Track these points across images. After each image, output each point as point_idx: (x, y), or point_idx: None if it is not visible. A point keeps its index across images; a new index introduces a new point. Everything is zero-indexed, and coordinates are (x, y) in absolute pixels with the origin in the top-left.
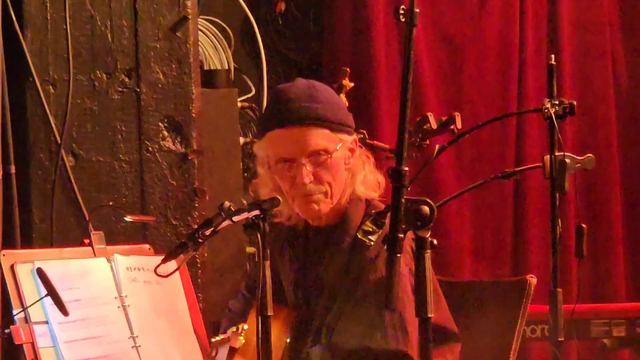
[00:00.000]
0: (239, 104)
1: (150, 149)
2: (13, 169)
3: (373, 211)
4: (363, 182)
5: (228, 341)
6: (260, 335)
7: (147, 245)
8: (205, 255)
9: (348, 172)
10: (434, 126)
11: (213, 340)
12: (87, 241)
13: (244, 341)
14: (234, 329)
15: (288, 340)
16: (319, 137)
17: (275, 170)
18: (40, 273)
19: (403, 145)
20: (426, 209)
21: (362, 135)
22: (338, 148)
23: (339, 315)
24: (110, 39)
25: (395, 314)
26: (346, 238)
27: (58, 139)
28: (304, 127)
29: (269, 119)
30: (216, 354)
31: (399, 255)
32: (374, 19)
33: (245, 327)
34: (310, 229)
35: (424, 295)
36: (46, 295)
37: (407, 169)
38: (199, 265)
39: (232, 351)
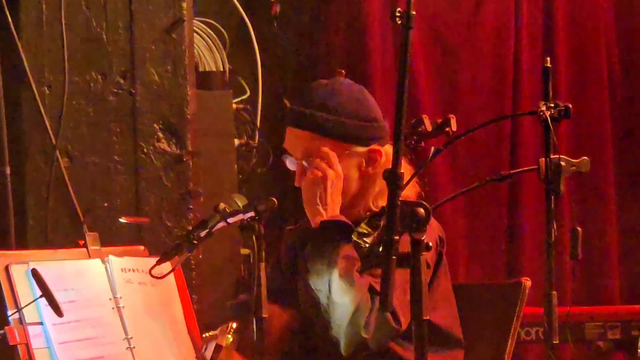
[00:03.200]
0: (234, 106)
1: (145, 150)
2: (8, 170)
3: (368, 213)
4: (375, 197)
5: (216, 338)
6: (256, 336)
7: (142, 247)
8: (200, 256)
9: (372, 178)
10: (429, 128)
11: (204, 335)
12: (81, 242)
13: (231, 339)
14: (224, 326)
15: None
16: (313, 144)
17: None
18: (35, 274)
19: (399, 148)
20: (422, 211)
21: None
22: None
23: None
24: (105, 40)
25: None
26: None
27: (53, 140)
28: (303, 131)
29: (285, 115)
30: (205, 349)
31: (394, 257)
32: (369, 21)
33: (234, 325)
34: None
35: (419, 297)
36: (41, 296)
37: (402, 171)
38: (193, 266)
39: (218, 348)
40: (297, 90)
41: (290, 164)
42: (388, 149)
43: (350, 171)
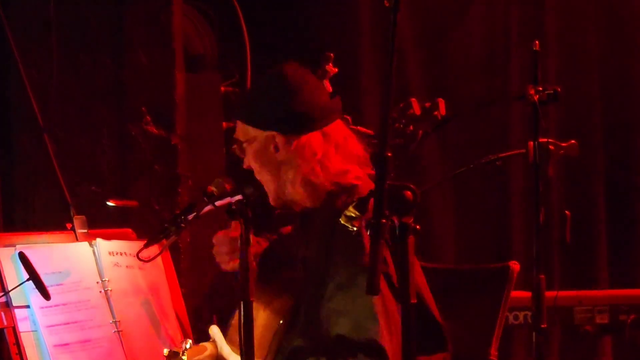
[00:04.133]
0: (223, 89)
1: (133, 133)
2: None
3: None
4: (292, 181)
5: (175, 357)
6: (242, 320)
7: (130, 230)
8: (188, 240)
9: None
10: (418, 112)
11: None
12: (69, 225)
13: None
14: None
15: (281, 322)
16: (239, 128)
17: None
18: (22, 257)
19: (386, 131)
20: (409, 194)
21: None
22: (249, 139)
23: (316, 303)
24: (94, 23)
25: (367, 303)
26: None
27: (41, 122)
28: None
29: None
30: None
31: (382, 241)
32: (359, 4)
33: (188, 345)
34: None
35: (406, 281)
36: (28, 280)
37: (390, 154)
38: (181, 250)
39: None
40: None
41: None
42: (311, 137)
43: (258, 156)
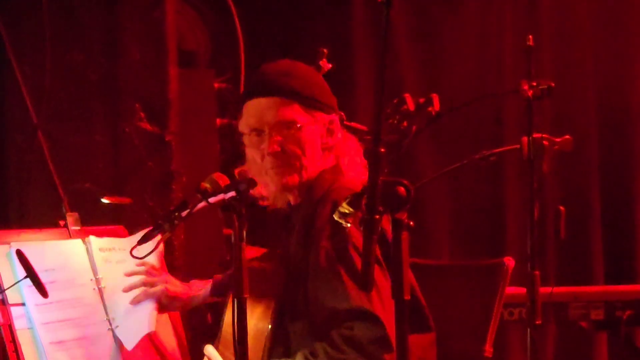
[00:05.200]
0: (216, 85)
1: (126, 130)
2: None
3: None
4: (349, 165)
5: None
6: (236, 318)
7: (122, 227)
8: (182, 237)
9: (328, 152)
10: (412, 108)
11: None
12: (62, 222)
13: None
14: None
15: (270, 326)
16: (286, 109)
17: (249, 142)
18: (20, 254)
19: (379, 126)
20: (403, 190)
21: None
22: (306, 123)
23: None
24: (87, 19)
25: (356, 276)
26: (305, 214)
27: (34, 119)
28: (272, 98)
29: (244, 92)
30: None
31: (375, 236)
32: (352, 0)
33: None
34: (292, 209)
35: (400, 277)
36: (25, 277)
37: (383, 150)
38: (175, 247)
39: None
40: (260, 67)
41: (248, 141)
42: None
43: (316, 140)
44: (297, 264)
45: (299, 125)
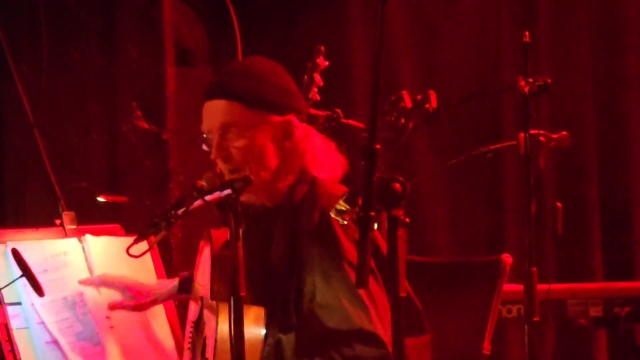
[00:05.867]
0: None
1: (124, 128)
2: None
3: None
4: (313, 163)
5: None
6: (233, 317)
7: (118, 226)
8: (179, 236)
9: (288, 154)
10: (409, 105)
11: None
12: (58, 222)
13: None
14: None
15: (264, 332)
16: (229, 112)
17: (207, 146)
18: (16, 254)
19: (375, 123)
20: (398, 186)
21: (300, 115)
22: (252, 125)
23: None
24: (84, 18)
25: (353, 294)
26: (290, 217)
27: (31, 118)
28: (218, 100)
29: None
30: None
31: (370, 234)
32: None
33: None
34: (264, 210)
35: (396, 274)
36: (21, 276)
37: (379, 147)
38: (172, 246)
39: None
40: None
41: (206, 145)
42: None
43: (266, 143)
44: (280, 271)
45: (242, 129)
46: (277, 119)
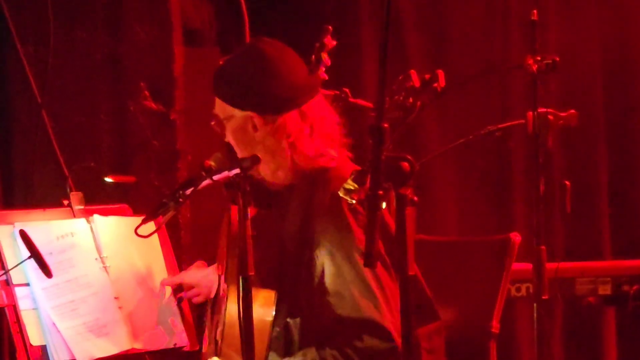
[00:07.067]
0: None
1: (131, 109)
2: None
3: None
4: (264, 160)
5: None
6: (242, 296)
7: (126, 206)
8: (188, 216)
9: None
10: (417, 84)
11: None
12: (65, 202)
13: None
14: None
15: (273, 314)
16: (218, 104)
17: None
18: (23, 235)
19: (382, 101)
20: (406, 165)
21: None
22: (227, 117)
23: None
24: None
25: (362, 281)
26: (285, 202)
27: (39, 99)
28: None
29: None
30: None
31: (379, 212)
32: None
33: None
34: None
35: (404, 253)
36: (29, 258)
37: (386, 125)
38: (181, 226)
39: None
40: None
41: None
42: (288, 117)
43: (236, 133)
44: (292, 254)
45: (224, 120)
46: (238, 114)
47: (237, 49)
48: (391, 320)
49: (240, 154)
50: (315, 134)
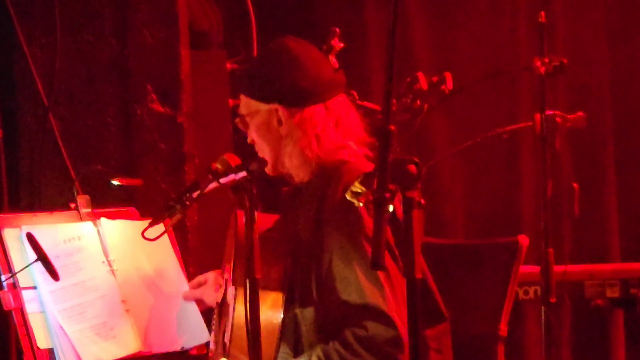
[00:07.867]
0: (229, 66)
1: (138, 111)
2: (0, 134)
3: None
4: (290, 154)
5: None
6: (249, 299)
7: (134, 209)
8: (196, 219)
9: (283, 140)
10: (425, 87)
11: None
12: (72, 205)
13: None
14: None
15: (281, 316)
16: (242, 102)
17: None
18: (30, 238)
19: (389, 103)
20: (413, 167)
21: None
22: (252, 113)
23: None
24: (97, 0)
25: (370, 272)
26: (303, 199)
27: (45, 102)
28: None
29: None
30: None
31: (385, 215)
32: None
33: None
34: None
35: (411, 256)
36: (36, 261)
37: (393, 128)
38: (188, 229)
39: None
40: None
41: None
42: (314, 110)
43: (261, 129)
44: (307, 247)
45: (247, 117)
46: (263, 107)
47: (262, 48)
48: (396, 310)
49: (261, 152)
50: (340, 127)
